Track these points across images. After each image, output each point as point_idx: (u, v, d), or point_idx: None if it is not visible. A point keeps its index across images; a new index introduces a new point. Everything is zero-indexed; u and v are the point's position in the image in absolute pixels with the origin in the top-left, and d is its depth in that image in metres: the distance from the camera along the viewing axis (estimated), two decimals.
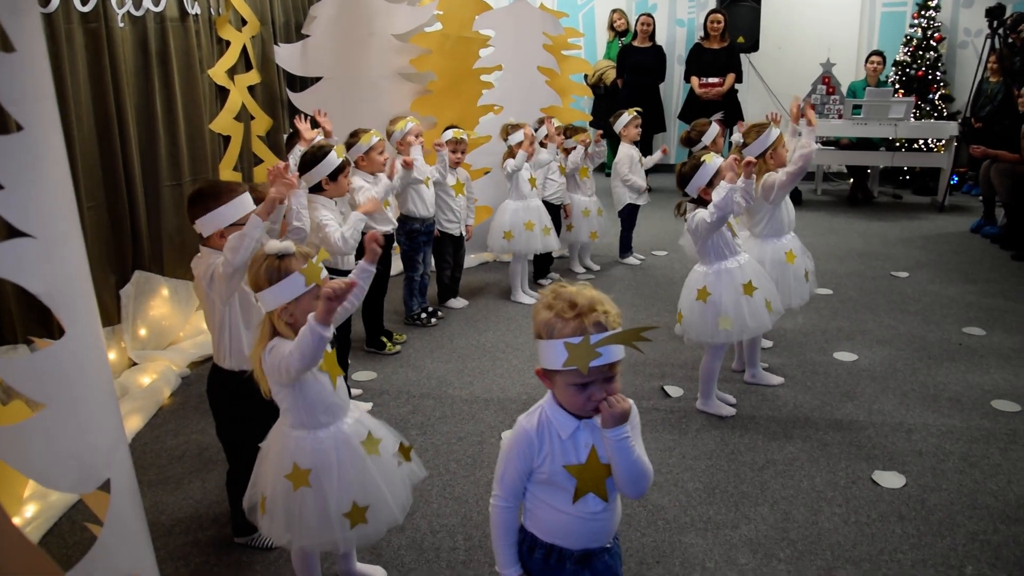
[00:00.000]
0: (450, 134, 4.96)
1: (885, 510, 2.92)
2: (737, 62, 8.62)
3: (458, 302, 5.30)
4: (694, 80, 8.65)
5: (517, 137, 5.14)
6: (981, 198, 7.35)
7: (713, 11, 8.69)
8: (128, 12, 4.21)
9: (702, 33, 8.80)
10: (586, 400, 1.65)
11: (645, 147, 7.48)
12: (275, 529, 2.25)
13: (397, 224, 4.62)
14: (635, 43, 8.96)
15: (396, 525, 2.33)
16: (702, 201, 3.46)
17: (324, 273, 2.20)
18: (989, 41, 7.72)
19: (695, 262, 3.64)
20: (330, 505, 2.17)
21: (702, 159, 3.42)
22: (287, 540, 2.26)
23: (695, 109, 8.48)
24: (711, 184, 3.39)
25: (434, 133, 5.64)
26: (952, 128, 8.02)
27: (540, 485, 1.76)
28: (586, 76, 9.08)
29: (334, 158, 3.61)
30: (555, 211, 5.61)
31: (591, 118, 8.77)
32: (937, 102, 8.97)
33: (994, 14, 7.65)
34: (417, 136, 4.69)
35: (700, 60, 8.60)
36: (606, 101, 9.18)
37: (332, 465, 2.19)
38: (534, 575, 1.81)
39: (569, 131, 5.81)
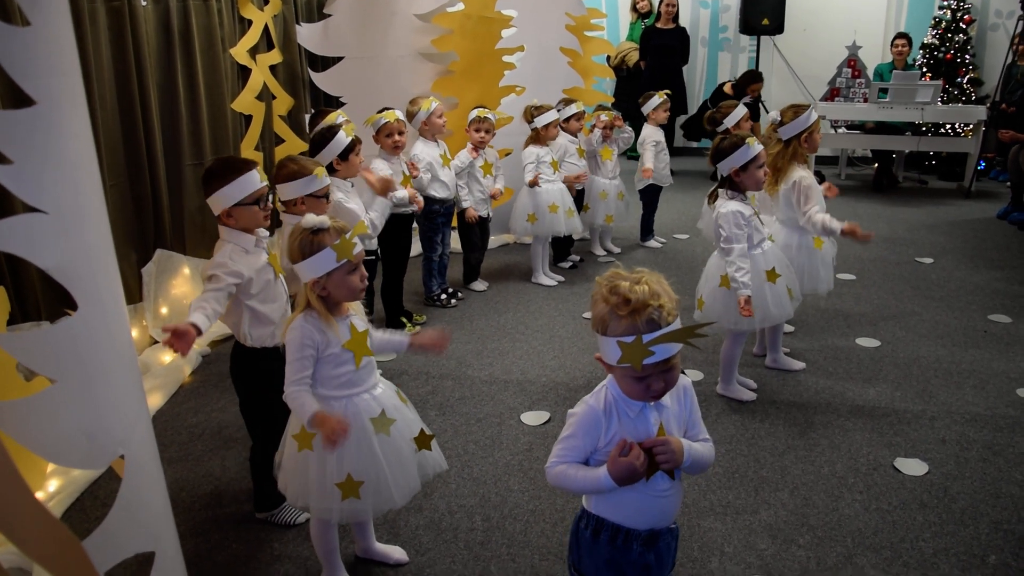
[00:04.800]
0: (475, 113, 4.92)
1: (907, 497, 2.89)
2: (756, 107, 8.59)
3: (480, 284, 5.28)
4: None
5: (543, 120, 5.10)
6: (1009, 184, 7.24)
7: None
8: None
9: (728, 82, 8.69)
10: (645, 390, 1.66)
11: (669, 129, 7.41)
12: (288, 485, 2.32)
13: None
14: (659, 25, 8.87)
15: (393, 508, 2.34)
16: (731, 182, 3.40)
17: (358, 248, 2.20)
18: (1022, 23, 7.56)
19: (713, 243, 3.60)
20: (327, 472, 2.21)
21: (746, 140, 3.35)
22: (293, 498, 2.33)
23: (722, 95, 8.41)
24: (745, 168, 3.34)
25: (455, 113, 5.62)
26: (980, 112, 7.89)
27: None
28: (609, 58, 9.02)
29: (343, 137, 3.60)
30: (577, 194, 5.57)
31: (613, 100, 8.70)
32: (965, 86, 8.83)
33: None
34: (440, 116, 4.67)
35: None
36: (629, 83, 9.12)
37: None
38: (600, 559, 1.79)
39: (597, 110, 5.76)
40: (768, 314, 3.45)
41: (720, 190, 3.46)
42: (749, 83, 8.29)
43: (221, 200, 2.53)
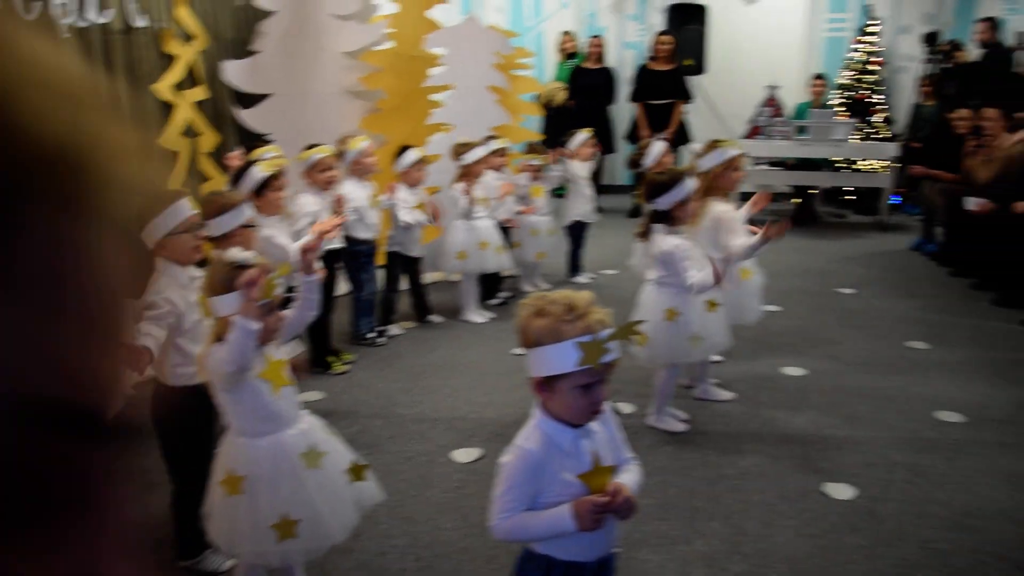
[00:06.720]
0: (414, 155, 4.89)
1: (836, 521, 2.93)
2: (683, 84, 8.72)
3: (435, 318, 5.29)
4: (639, 111, 8.72)
5: (471, 156, 5.11)
6: (921, 217, 7.53)
7: (662, 33, 8.79)
8: (72, 23, 4.11)
9: (650, 54, 8.89)
10: (590, 403, 1.67)
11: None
12: (219, 533, 2.24)
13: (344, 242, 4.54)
14: (586, 65, 9.03)
15: (334, 544, 2.27)
16: (666, 216, 3.38)
17: (280, 289, 2.15)
18: (924, 66, 7.95)
19: (644, 278, 3.61)
20: (259, 515, 2.14)
21: (685, 174, 3.37)
22: (227, 547, 2.26)
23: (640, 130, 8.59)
24: (684, 202, 3.34)
25: (385, 151, 5.59)
26: (893, 149, 8.22)
27: (551, 507, 1.70)
28: (537, 96, 9.12)
29: (255, 172, 3.56)
30: (504, 231, 5.58)
31: (543, 137, 8.81)
32: (879, 124, 9.19)
33: (928, 40, 7.90)
34: (370, 156, 4.64)
35: (646, 82, 8.68)
36: (556, 121, 9.22)
37: (265, 474, 2.15)
38: None
39: (530, 149, 5.81)
40: (713, 343, 3.51)
41: (655, 225, 3.43)
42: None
43: (153, 231, 2.51)
